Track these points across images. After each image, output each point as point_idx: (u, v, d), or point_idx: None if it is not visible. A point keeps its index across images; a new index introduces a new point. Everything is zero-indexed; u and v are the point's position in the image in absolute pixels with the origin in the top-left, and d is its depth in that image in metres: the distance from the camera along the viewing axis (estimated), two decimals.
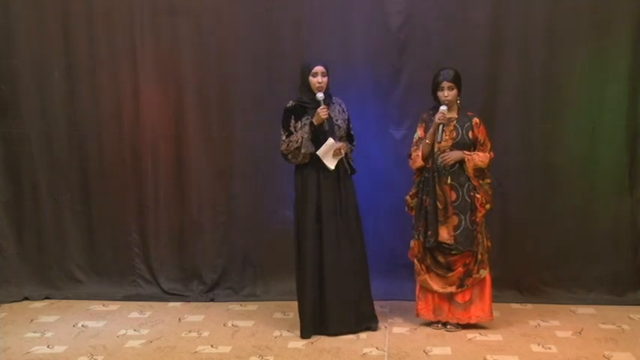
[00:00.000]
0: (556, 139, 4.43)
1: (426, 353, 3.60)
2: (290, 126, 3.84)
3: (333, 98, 3.92)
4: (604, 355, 3.53)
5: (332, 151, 3.77)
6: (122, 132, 4.72)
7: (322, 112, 3.74)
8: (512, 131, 4.43)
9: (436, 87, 3.85)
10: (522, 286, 4.52)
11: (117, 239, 4.81)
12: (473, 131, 3.86)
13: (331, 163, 3.79)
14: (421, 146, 3.89)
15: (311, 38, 4.50)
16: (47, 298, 4.78)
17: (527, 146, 4.45)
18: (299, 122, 3.82)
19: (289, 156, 3.84)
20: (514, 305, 4.42)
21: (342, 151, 3.82)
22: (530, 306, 4.40)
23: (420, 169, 3.92)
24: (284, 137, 3.85)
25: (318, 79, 3.80)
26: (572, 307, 4.34)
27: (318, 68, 3.81)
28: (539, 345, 3.70)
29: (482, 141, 3.87)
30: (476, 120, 3.88)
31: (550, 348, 3.65)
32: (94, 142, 4.75)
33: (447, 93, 3.82)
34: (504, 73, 4.41)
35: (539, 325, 4.04)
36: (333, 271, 3.81)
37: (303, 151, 3.77)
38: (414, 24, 4.42)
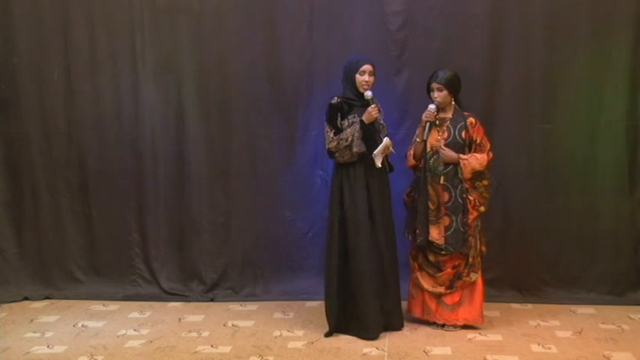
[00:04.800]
0: (556, 139, 4.42)
1: (426, 353, 3.61)
2: (337, 123, 3.77)
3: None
4: (604, 355, 3.54)
5: (383, 149, 3.76)
6: (122, 132, 4.71)
7: (374, 111, 3.70)
8: (512, 131, 4.42)
9: (428, 87, 3.87)
10: (522, 286, 4.52)
11: (117, 239, 4.80)
12: (467, 131, 3.84)
13: (378, 161, 3.75)
14: (413, 145, 3.92)
15: (311, 38, 4.50)
16: (47, 298, 4.78)
17: (527, 146, 4.44)
18: (346, 120, 3.76)
19: (337, 154, 3.77)
20: (514, 305, 4.41)
21: (391, 149, 3.80)
22: (530, 306, 4.39)
23: (414, 169, 3.95)
24: (331, 135, 3.76)
25: (365, 77, 3.74)
26: (572, 307, 4.34)
27: (367, 67, 3.74)
28: (539, 345, 3.70)
29: (478, 141, 3.85)
30: (471, 120, 3.87)
31: (550, 348, 3.65)
32: (94, 142, 4.75)
33: (437, 94, 3.82)
34: (504, 73, 4.40)
35: (539, 325, 4.04)
36: (390, 267, 3.82)
37: (355, 150, 3.71)
38: (414, 24, 4.41)
